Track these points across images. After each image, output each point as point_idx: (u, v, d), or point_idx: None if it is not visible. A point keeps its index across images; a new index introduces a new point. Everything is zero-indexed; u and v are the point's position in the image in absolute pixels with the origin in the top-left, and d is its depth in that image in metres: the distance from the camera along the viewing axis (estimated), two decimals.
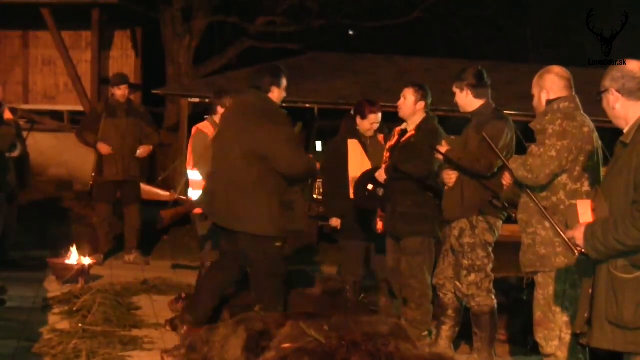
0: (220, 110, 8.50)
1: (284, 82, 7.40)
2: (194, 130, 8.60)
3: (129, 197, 11.19)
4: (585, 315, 4.60)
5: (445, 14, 21.51)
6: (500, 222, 7.12)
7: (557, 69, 6.27)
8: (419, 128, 7.71)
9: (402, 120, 7.91)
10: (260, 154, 7.07)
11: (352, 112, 8.53)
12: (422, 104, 7.71)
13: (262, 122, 7.13)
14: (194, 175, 8.47)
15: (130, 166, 11.10)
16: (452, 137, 7.46)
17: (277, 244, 7.26)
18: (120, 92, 11.18)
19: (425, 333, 7.64)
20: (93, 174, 11.29)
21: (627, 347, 4.39)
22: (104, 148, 10.99)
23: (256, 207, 7.11)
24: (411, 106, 7.72)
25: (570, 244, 4.62)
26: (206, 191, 7.52)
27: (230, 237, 7.34)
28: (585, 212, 4.51)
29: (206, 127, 8.46)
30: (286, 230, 7.33)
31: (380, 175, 7.84)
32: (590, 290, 4.57)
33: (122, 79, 11.37)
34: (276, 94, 7.36)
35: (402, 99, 7.77)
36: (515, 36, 23.38)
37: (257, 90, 7.33)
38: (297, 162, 7.17)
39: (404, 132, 7.81)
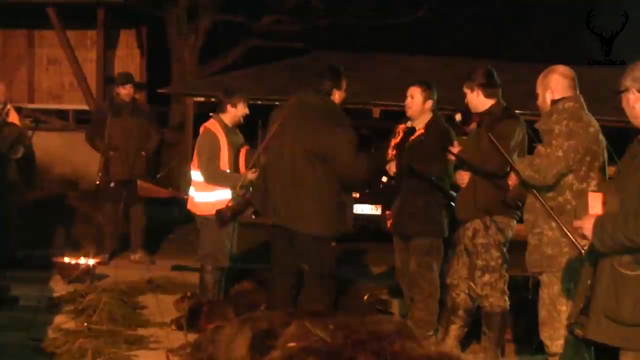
0: (231, 109, 8.49)
1: (344, 84, 7.43)
2: (201, 129, 8.58)
3: (134, 196, 11.20)
4: (581, 305, 4.62)
5: (450, 13, 21.49)
6: (514, 221, 7.11)
7: (561, 68, 6.26)
8: (428, 127, 7.69)
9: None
10: (323, 155, 7.06)
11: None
12: (430, 102, 7.71)
13: (327, 123, 7.14)
14: (196, 175, 8.47)
15: (135, 166, 11.10)
16: (464, 137, 7.45)
17: (332, 244, 7.30)
18: (125, 92, 11.19)
19: (431, 332, 7.64)
20: (99, 174, 11.30)
21: (622, 342, 4.42)
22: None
23: (318, 208, 7.11)
24: (420, 105, 7.71)
25: (574, 240, 4.64)
26: (258, 189, 7.50)
27: (286, 236, 7.30)
28: (595, 204, 4.52)
29: (214, 126, 8.44)
30: (338, 231, 7.33)
31: (390, 168, 7.79)
32: (588, 282, 4.59)
33: (127, 78, 11.37)
34: (337, 96, 7.38)
35: (409, 98, 7.75)
36: (520, 35, 23.36)
37: (319, 92, 7.33)
38: (358, 166, 7.18)
39: (411, 130, 7.79)
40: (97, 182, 11.34)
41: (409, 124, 7.84)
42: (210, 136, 8.40)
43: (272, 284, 7.56)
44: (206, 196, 8.37)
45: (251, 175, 8.20)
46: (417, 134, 7.71)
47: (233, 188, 8.25)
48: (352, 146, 7.14)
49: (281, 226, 7.28)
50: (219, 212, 8.12)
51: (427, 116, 7.73)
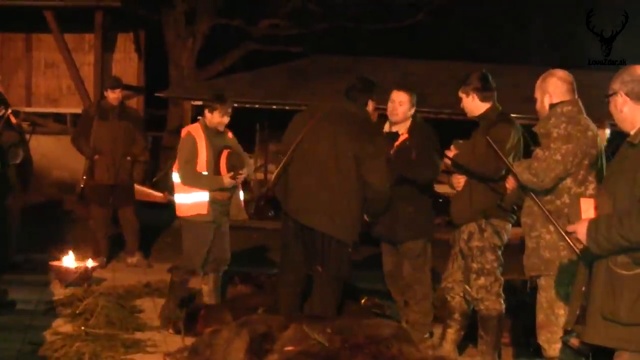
0: (207, 114, 8.32)
1: (375, 96, 7.57)
2: (183, 132, 8.54)
3: (121, 200, 11.17)
4: (577, 313, 4.63)
5: (448, 17, 21.51)
6: (510, 225, 7.11)
7: (559, 72, 6.27)
8: (412, 131, 7.65)
9: None
10: (359, 163, 7.15)
11: None
12: (413, 110, 7.69)
13: (368, 131, 7.28)
14: (176, 177, 8.46)
15: (120, 170, 11.05)
16: (460, 141, 7.44)
17: (350, 249, 7.40)
18: (113, 95, 11.15)
19: (427, 335, 7.64)
20: (84, 177, 11.27)
21: (618, 343, 4.42)
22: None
23: (348, 215, 7.23)
24: (406, 112, 7.67)
25: (571, 242, 4.65)
26: (283, 185, 7.51)
27: (302, 238, 7.36)
28: (587, 209, 4.55)
29: (195, 129, 8.38)
30: (354, 240, 7.45)
31: None
32: (583, 288, 4.60)
33: (116, 83, 11.33)
34: (370, 107, 7.54)
35: (397, 105, 7.65)
36: (518, 38, 23.39)
37: (357, 102, 7.46)
38: (386, 183, 7.27)
39: (393, 135, 7.75)
40: (82, 185, 11.31)
41: (387, 128, 7.81)
42: (189, 139, 8.36)
43: (280, 291, 7.57)
44: (184, 197, 8.33)
45: (228, 180, 8.16)
46: (401, 139, 7.67)
47: (210, 190, 8.24)
48: (385, 163, 7.26)
49: (300, 224, 7.32)
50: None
51: (408, 120, 7.72)
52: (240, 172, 8.29)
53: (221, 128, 8.40)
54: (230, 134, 8.61)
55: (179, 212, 8.47)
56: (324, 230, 7.23)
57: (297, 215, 7.36)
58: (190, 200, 8.28)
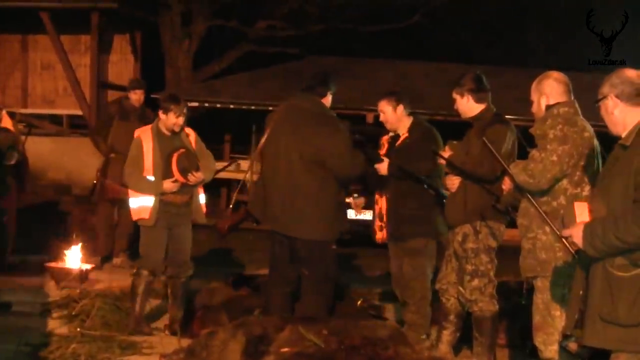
0: (162, 115, 8.15)
1: (334, 88, 7.55)
2: (135, 134, 8.42)
3: (125, 200, 11.16)
4: (575, 317, 4.63)
5: (445, 19, 21.54)
6: (504, 226, 7.11)
7: (555, 74, 6.28)
8: (412, 130, 7.70)
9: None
10: (321, 160, 7.12)
11: None
12: (400, 107, 7.71)
13: (323, 129, 7.21)
14: None
15: None
16: (455, 142, 7.44)
17: (333, 247, 7.39)
18: (135, 97, 11.27)
19: (424, 336, 7.63)
20: (97, 173, 11.30)
21: (617, 344, 4.43)
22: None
23: (319, 214, 7.18)
24: (392, 115, 7.72)
25: (568, 245, 4.66)
26: (258, 197, 7.49)
27: (285, 243, 7.34)
28: (582, 212, 4.57)
29: (144, 132, 8.22)
30: (339, 232, 7.42)
31: (382, 168, 7.73)
32: (580, 292, 4.61)
33: (138, 84, 11.50)
34: (329, 99, 7.48)
35: (381, 115, 7.80)
36: (515, 41, 23.42)
37: (312, 95, 7.40)
38: (355, 165, 7.27)
39: (395, 137, 7.79)
40: (94, 182, 11.35)
41: (391, 133, 7.85)
42: (136, 142, 8.22)
43: (270, 292, 7.57)
44: (132, 202, 8.22)
45: (169, 184, 8.01)
46: (401, 138, 7.72)
47: (153, 194, 8.06)
48: (348, 148, 7.21)
49: (281, 234, 7.30)
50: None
51: (407, 121, 7.74)
52: (194, 173, 8.10)
53: (177, 129, 8.16)
54: (191, 136, 8.36)
55: (132, 216, 8.41)
56: (304, 237, 7.19)
57: (276, 226, 7.35)
58: (136, 204, 8.14)
